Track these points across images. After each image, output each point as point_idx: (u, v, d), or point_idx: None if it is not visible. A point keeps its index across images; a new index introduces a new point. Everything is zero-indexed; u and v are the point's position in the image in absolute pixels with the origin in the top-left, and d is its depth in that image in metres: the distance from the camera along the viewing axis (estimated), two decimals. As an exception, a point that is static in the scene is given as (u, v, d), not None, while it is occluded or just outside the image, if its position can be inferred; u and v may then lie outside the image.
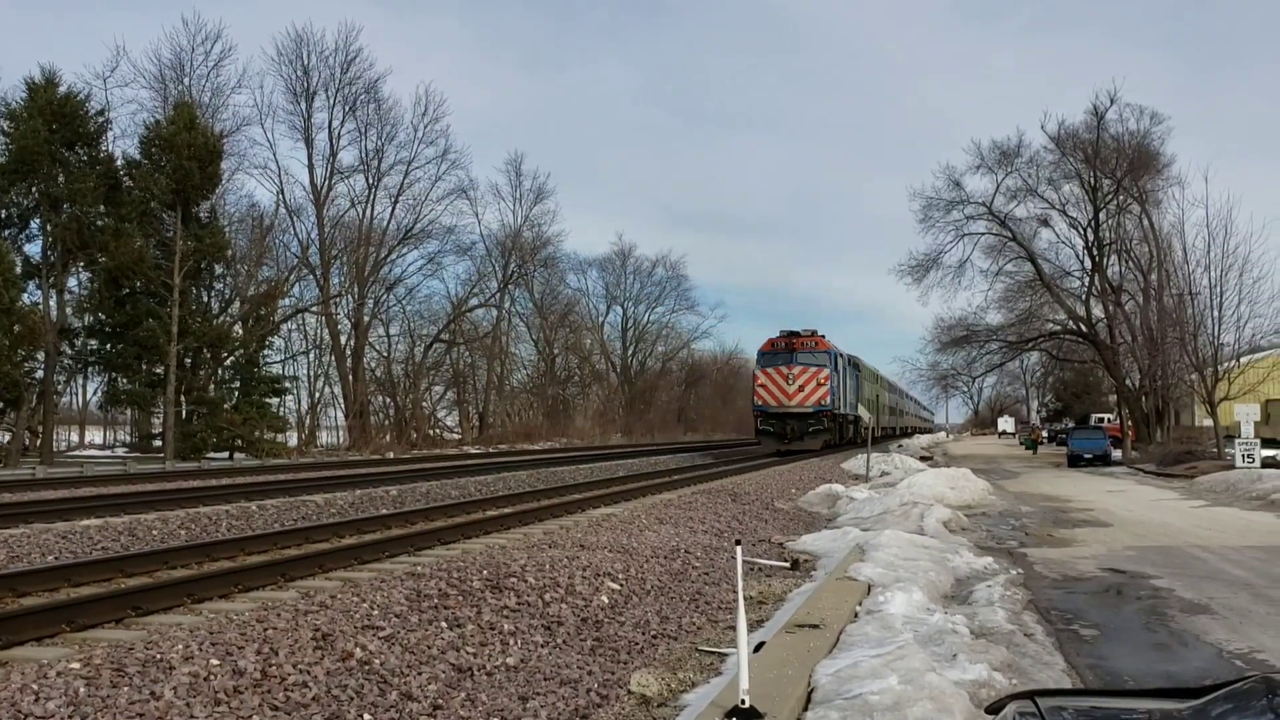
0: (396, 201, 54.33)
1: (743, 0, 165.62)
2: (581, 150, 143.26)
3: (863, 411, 32.37)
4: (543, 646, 7.48)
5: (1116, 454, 42.41)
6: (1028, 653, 7.48)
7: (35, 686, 5.36)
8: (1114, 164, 45.26)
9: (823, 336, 39.50)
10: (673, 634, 8.05)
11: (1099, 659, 7.51)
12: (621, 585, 9.60)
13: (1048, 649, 7.73)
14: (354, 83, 51.79)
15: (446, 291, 63.69)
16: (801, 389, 37.64)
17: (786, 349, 38.49)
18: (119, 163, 40.18)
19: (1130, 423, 48.15)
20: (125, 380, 40.03)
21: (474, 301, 61.99)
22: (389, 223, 54.36)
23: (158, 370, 38.65)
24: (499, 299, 64.05)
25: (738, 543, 6.00)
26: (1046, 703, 2.26)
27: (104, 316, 39.10)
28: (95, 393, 45.01)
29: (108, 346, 39.62)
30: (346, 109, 52.00)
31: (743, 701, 5.07)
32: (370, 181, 53.41)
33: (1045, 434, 72.34)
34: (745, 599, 5.63)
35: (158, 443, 38.61)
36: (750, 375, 44.57)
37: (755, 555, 12.32)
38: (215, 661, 6.02)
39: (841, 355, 41.45)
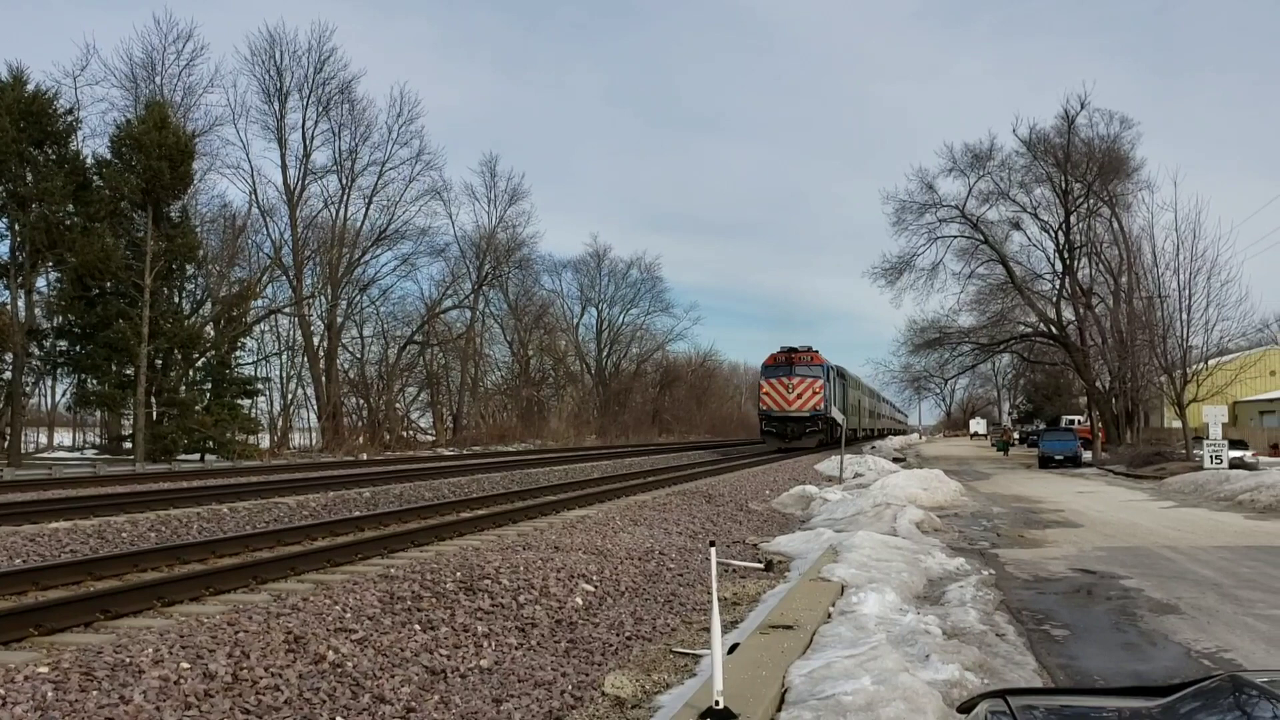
0: (370, 202, 54.17)
1: (716, 4, 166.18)
2: (557, 152, 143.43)
3: (836, 414, 34.49)
4: (517, 648, 7.46)
5: (1087, 455, 42.88)
6: (999, 653, 7.54)
7: (2, 691, 5.29)
8: (1084, 168, 45.78)
9: (817, 352, 45.53)
10: (647, 635, 8.05)
11: (1070, 659, 7.58)
12: (596, 587, 9.59)
13: (1019, 649, 7.79)
14: (327, 83, 51.54)
15: (420, 293, 63.61)
16: (799, 396, 44.19)
17: (786, 363, 44.99)
18: (89, 162, 39.69)
19: (1100, 424, 48.66)
20: (95, 381, 39.48)
21: (448, 303, 61.84)
22: (362, 223, 54.19)
23: (128, 371, 38.16)
24: (473, 300, 63.86)
25: (712, 544, 6.01)
26: (1018, 701, 2.27)
27: (73, 317, 38.58)
28: (64, 394, 44.42)
29: (77, 348, 39.08)
30: (320, 109, 51.72)
31: (717, 703, 5.08)
32: (344, 182, 53.19)
33: (1017, 435, 73.12)
34: (719, 600, 5.65)
35: (128, 445, 38.15)
36: (730, 380, 49.15)
37: (729, 557, 12.35)
38: (186, 665, 5.96)
39: (832, 367, 47.24)
